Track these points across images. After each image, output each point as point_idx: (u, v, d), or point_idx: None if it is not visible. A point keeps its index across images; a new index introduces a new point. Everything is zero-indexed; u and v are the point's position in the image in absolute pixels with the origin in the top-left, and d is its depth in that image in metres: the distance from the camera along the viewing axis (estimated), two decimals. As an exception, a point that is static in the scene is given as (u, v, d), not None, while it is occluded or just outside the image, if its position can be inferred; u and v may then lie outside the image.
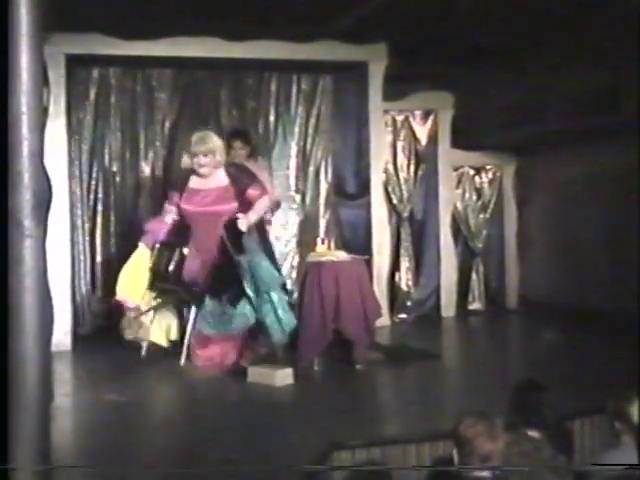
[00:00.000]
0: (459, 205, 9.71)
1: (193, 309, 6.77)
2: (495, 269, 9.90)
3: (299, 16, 7.39)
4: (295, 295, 8.23)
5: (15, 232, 2.31)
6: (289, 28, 7.90)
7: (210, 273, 6.54)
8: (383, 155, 9.11)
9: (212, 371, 6.62)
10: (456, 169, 9.66)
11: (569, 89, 8.05)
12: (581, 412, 4.98)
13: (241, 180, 6.81)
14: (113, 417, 5.70)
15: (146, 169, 8.86)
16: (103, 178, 8.76)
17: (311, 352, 6.85)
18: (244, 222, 6.59)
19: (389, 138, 9.29)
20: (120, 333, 6.94)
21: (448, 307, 9.44)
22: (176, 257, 6.62)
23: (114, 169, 8.81)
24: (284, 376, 6.35)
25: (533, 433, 3.67)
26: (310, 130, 9.41)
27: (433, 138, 9.41)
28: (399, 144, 9.38)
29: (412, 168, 9.43)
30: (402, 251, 9.43)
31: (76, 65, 8.22)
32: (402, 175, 9.39)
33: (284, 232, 9.38)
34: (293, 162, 9.42)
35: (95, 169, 8.73)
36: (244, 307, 6.48)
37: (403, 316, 9.32)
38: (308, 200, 9.46)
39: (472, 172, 9.80)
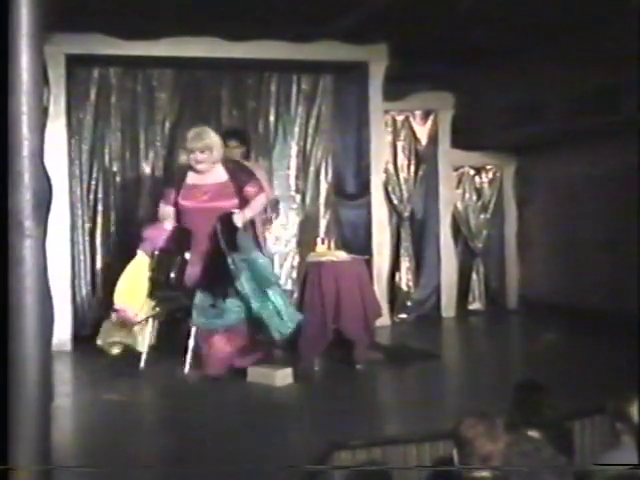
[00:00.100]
0: (459, 205, 9.71)
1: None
2: (495, 269, 9.89)
3: (299, 16, 7.39)
4: (295, 295, 8.24)
5: (15, 232, 2.31)
6: (289, 28, 7.90)
7: (203, 266, 6.43)
8: (383, 155, 9.11)
9: (215, 372, 6.55)
10: (456, 169, 9.66)
11: (569, 89, 8.04)
12: (581, 412, 4.97)
13: (240, 177, 6.70)
14: (113, 417, 5.71)
15: (146, 169, 8.86)
16: (103, 178, 8.75)
17: (311, 352, 6.85)
18: (239, 217, 6.47)
19: (389, 138, 9.29)
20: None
21: (448, 307, 9.44)
22: (177, 263, 6.42)
23: (114, 169, 8.81)
24: (284, 376, 6.35)
25: (533, 433, 3.67)
26: (310, 130, 9.40)
27: (433, 138, 9.41)
28: (399, 144, 9.38)
29: (412, 168, 9.43)
30: (402, 251, 9.43)
31: (76, 65, 8.22)
32: (402, 175, 9.39)
33: (284, 232, 9.38)
34: (293, 162, 9.42)
35: (95, 169, 8.72)
36: (234, 303, 6.39)
37: (403, 316, 9.32)
38: (308, 200, 9.46)
39: (472, 172, 9.80)
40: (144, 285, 6.44)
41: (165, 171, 8.77)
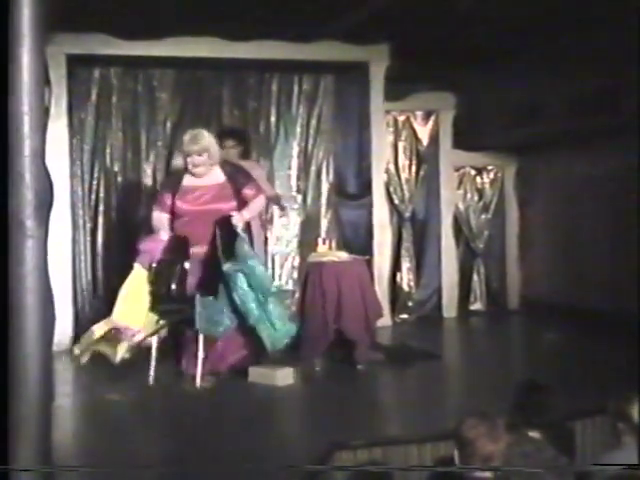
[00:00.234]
0: (460, 205, 9.71)
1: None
2: (496, 269, 9.89)
3: (300, 16, 7.39)
4: (296, 295, 8.25)
5: (17, 232, 2.31)
6: (290, 28, 7.90)
7: (202, 275, 6.24)
8: (384, 155, 9.11)
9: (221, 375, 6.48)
10: (457, 169, 9.66)
11: (570, 89, 8.04)
12: (582, 413, 4.97)
13: (237, 179, 6.54)
14: (114, 417, 5.71)
15: (148, 169, 8.86)
16: (105, 178, 8.76)
17: (312, 352, 6.86)
18: (238, 219, 6.28)
19: (390, 138, 9.30)
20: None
21: (449, 307, 9.44)
22: (177, 273, 6.15)
23: (116, 169, 8.81)
24: (285, 376, 6.35)
25: (534, 434, 3.67)
26: (311, 130, 9.40)
27: (434, 138, 9.42)
28: (400, 144, 9.38)
29: (413, 168, 9.44)
30: (403, 251, 9.44)
31: (77, 65, 8.22)
32: (403, 175, 9.40)
33: (285, 232, 9.38)
34: (294, 162, 9.41)
35: (96, 169, 8.72)
36: (228, 312, 6.24)
37: (404, 316, 9.32)
38: (309, 200, 9.45)
39: (473, 172, 9.80)
40: (145, 300, 6.19)
41: (167, 171, 8.77)
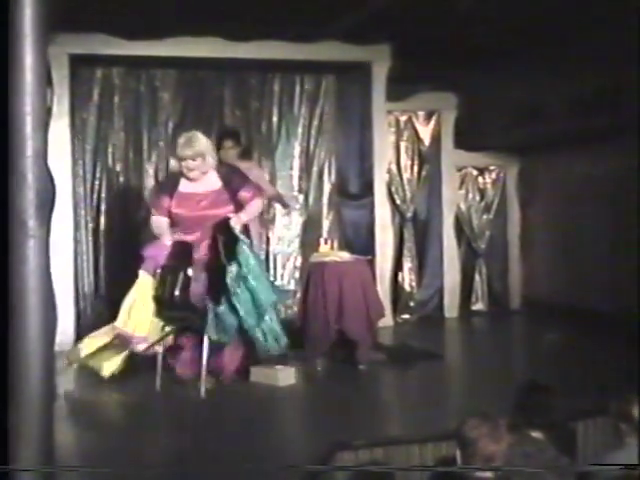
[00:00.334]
0: (462, 206, 9.70)
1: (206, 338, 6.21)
2: (498, 270, 9.88)
3: (302, 16, 7.39)
4: (298, 295, 8.25)
5: (19, 232, 2.31)
6: (292, 28, 7.90)
7: (206, 282, 6.14)
8: (386, 155, 9.11)
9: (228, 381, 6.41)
10: (459, 169, 9.66)
11: (572, 90, 8.03)
12: (584, 413, 4.97)
13: (233, 182, 6.39)
14: (115, 417, 5.71)
15: (149, 169, 8.87)
16: (106, 178, 8.77)
17: (314, 352, 6.86)
18: (236, 221, 6.16)
19: (392, 138, 9.30)
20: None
21: (451, 308, 9.44)
22: (181, 280, 6.03)
23: (117, 169, 8.83)
24: (287, 376, 6.35)
25: (536, 434, 3.67)
26: (313, 130, 9.41)
27: (436, 138, 9.42)
28: (402, 144, 9.38)
29: (415, 168, 9.44)
30: (405, 251, 9.44)
31: (79, 65, 8.23)
32: (405, 175, 9.40)
33: (287, 232, 9.39)
34: (296, 162, 9.42)
35: (99, 169, 8.74)
36: (236, 319, 6.14)
37: (406, 316, 9.32)
38: (311, 200, 9.46)
39: (475, 173, 9.79)
40: (150, 306, 6.11)
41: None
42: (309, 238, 9.18)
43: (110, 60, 8.38)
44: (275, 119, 9.30)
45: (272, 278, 9.20)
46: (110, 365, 6.25)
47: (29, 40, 2.31)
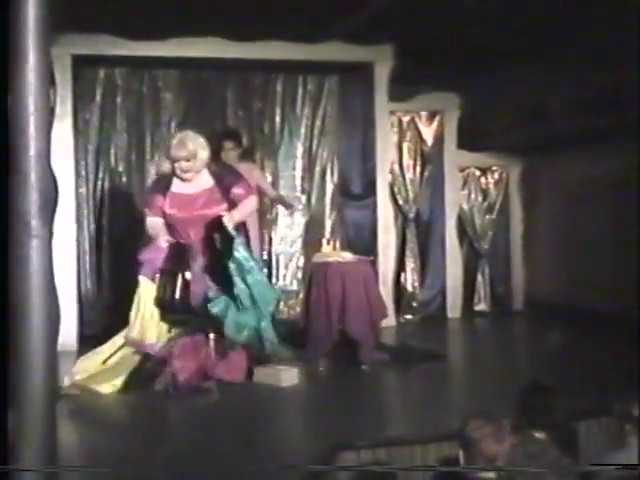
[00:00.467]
0: (465, 206, 9.70)
1: (211, 336, 6.20)
2: (501, 270, 9.88)
3: (305, 17, 7.39)
4: (301, 295, 8.25)
5: (22, 232, 2.32)
6: (295, 29, 7.90)
7: (206, 283, 6.09)
8: (389, 156, 9.11)
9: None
10: (462, 170, 9.65)
11: (575, 90, 8.03)
12: (587, 413, 4.97)
13: (226, 180, 6.29)
14: (118, 418, 5.71)
15: (152, 170, 8.86)
16: (109, 178, 8.79)
17: (317, 352, 6.86)
18: (229, 219, 6.04)
19: (395, 139, 9.30)
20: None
21: (454, 308, 9.44)
22: (179, 284, 5.93)
23: (120, 169, 8.84)
24: (290, 376, 6.34)
25: (539, 434, 3.67)
26: (316, 131, 9.41)
27: (439, 139, 9.42)
28: (405, 145, 9.38)
29: (418, 169, 9.43)
30: (408, 252, 9.44)
31: (82, 66, 8.24)
32: (408, 176, 9.39)
33: (290, 232, 9.39)
34: (299, 163, 9.43)
35: (101, 169, 8.76)
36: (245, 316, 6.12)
37: (409, 317, 9.32)
38: (314, 201, 9.47)
39: (478, 173, 9.79)
40: (155, 312, 6.03)
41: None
42: (312, 238, 9.18)
43: (113, 61, 8.39)
44: (278, 119, 9.31)
45: (275, 278, 9.24)
46: (111, 385, 6.09)
47: (32, 40, 2.32)
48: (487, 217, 9.80)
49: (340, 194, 9.46)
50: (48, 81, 2.42)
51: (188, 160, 6.07)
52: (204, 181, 6.23)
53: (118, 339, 6.18)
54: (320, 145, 9.44)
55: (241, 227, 6.36)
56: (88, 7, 6.51)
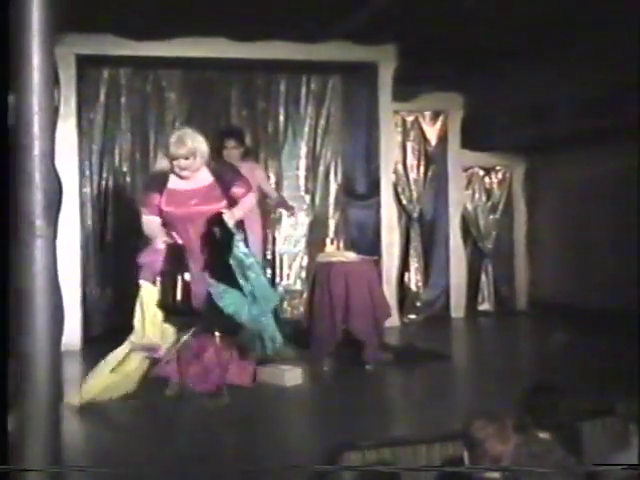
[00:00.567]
0: (469, 206, 9.69)
1: (217, 336, 6.09)
2: (504, 270, 9.87)
3: (309, 17, 7.38)
4: (304, 295, 8.25)
5: (26, 232, 2.32)
6: (299, 28, 7.90)
7: (207, 283, 5.95)
8: (393, 156, 9.10)
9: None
10: (466, 170, 9.65)
11: (579, 90, 8.02)
12: (592, 414, 4.96)
13: (225, 177, 6.14)
14: (122, 418, 5.71)
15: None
16: (113, 178, 8.80)
17: (320, 352, 6.87)
18: (230, 217, 5.90)
19: (399, 139, 9.29)
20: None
21: (457, 308, 9.43)
22: (179, 286, 5.82)
23: (124, 169, 8.85)
24: (293, 376, 6.35)
25: (544, 435, 3.66)
26: (319, 131, 9.42)
27: (443, 139, 9.41)
28: (409, 145, 9.38)
29: (422, 169, 9.43)
30: (411, 251, 9.43)
31: (86, 65, 8.25)
32: (412, 176, 9.39)
33: (293, 232, 9.40)
34: (303, 162, 9.43)
35: (105, 169, 8.76)
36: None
37: (412, 316, 9.31)
38: (317, 200, 9.48)
39: (482, 173, 9.79)
40: (159, 315, 5.92)
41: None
42: (315, 238, 9.19)
43: (117, 60, 8.40)
44: (281, 119, 9.31)
45: (278, 278, 9.24)
46: (121, 393, 6.01)
47: (37, 41, 2.32)
48: (491, 217, 9.80)
49: (344, 194, 9.47)
50: (52, 81, 2.42)
51: (187, 158, 5.93)
52: (203, 178, 6.09)
53: (124, 347, 6.10)
54: (324, 145, 9.44)
55: (240, 225, 6.23)
56: (92, 7, 6.51)
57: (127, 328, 6.13)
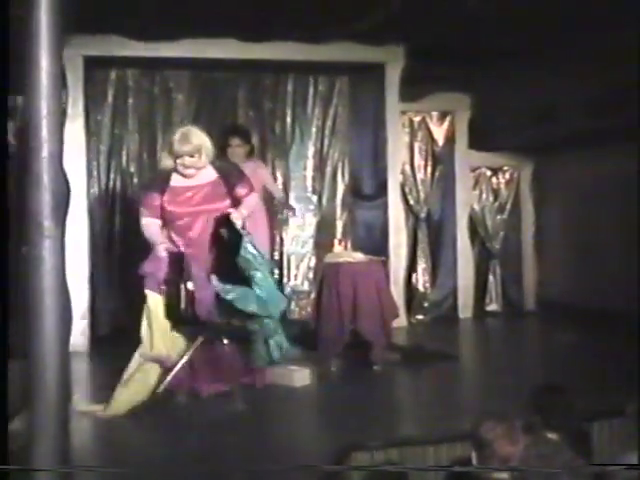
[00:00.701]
0: (476, 206, 9.68)
1: (226, 342, 5.97)
2: (512, 270, 9.85)
3: (316, 17, 7.39)
4: (312, 296, 8.25)
5: (34, 233, 2.33)
6: (306, 29, 7.90)
7: (214, 289, 5.75)
8: (400, 156, 9.10)
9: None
10: (473, 170, 9.63)
11: (586, 90, 8.01)
12: (600, 414, 4.95)
13: (229, 176, 5.99)
14: (127, 418, 5.72)
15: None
16: (121, 179, 8.81)
17: (328, 353, 6.87)
18: (238, 216, 5.74)
19: (406, 139, 9.28)
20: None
21: (465, 308, 9.42)
22: (183, 295, 5.67)
23: (132, 170, 8.86)
24: (302, 377, 6.35)
25: (552, 435, 3.66)
26: (327, 131, 9.42)
27: (450, 139, 9.40)
28: (416, 145, 9.37)
29: (429, 169, 9.42)
30: (419, 252, 9.42)
31: (94, 67, 8.26)
32: (419, 176, 9.38)
33: (301, 233, 9.40)
34: (310, 163, 9.43)
35: (113, 170, 8.78)
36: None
37: (420, 317, 9.30)
38: (325, 201, 9.48)
39: (489, 173, 9.77)
40: (166, 325, 5.82)
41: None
42: (323, 239, 9.19)
43: (124, 62, 8.41)
44: (289, 120, 9.32)
45: (286, 279, 9.25)
46: (134, 405, 5.86)
47: (45, 43, 2.33)
48: (498, 217, 9.78)
49: (351, 194, 9.47)
50: (60, 83, 2.42)
51: (192, 156, 5.79)
52: (207, 175, 5.94)
53: (134, 361, 5.93)
54: (331, 145, 9.45)
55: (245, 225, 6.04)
56: (99, 8, 6.52)
57: (134, 329, 6.11)
